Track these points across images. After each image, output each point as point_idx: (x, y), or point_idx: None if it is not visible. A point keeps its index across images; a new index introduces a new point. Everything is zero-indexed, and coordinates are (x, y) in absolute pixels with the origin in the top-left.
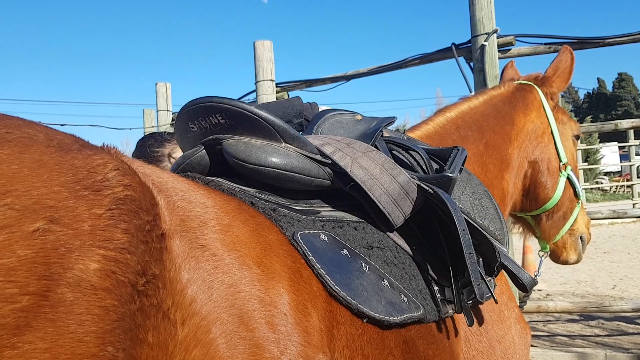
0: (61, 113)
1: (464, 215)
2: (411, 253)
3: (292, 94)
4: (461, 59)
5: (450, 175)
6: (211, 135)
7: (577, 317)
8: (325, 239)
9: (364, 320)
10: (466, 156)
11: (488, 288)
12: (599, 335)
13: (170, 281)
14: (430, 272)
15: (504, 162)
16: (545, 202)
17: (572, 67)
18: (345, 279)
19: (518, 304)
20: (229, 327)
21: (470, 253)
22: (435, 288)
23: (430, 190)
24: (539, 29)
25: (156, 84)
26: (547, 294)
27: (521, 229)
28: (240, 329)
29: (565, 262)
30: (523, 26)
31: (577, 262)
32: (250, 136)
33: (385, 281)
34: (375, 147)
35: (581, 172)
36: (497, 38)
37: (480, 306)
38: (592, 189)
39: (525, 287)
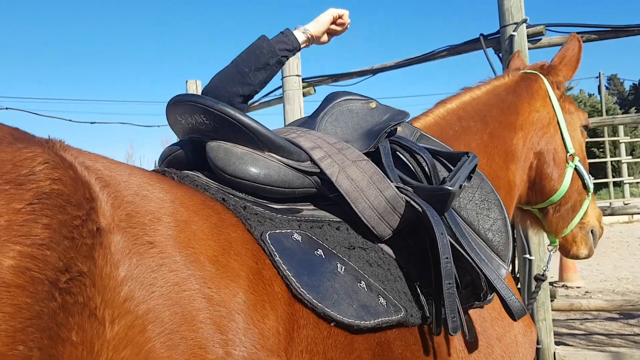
0: (92, 111)
1: (450, 240)
2: (399, 260)
3: (319, 89)
4: (490, 50)
5: (449, 189)
6: (198, 131)
7: (616, 316)
8: (299, 238)
9: (332, 324)
10: (476, 164)
11: (461, 323)
12: (638, 335)
13: (102, 278)
14: (419, 281)
15: (509, 153)
16: (551, 194)
17: (579, 56)
18: (314, 280)
19: (527, 299)
20: (169, 327)
21: (449, 283)
22: (424, 290)
23: (419, 208)
24: (571, 17)
25: (186, 82)
26: (586, 292)
27: (528, 222)
28: (183, 328)
29: (576, 257)
30: (554, 15)
31: (588, 256)
32: (233, 141)
33: (363, 283)
34: (377, 149)
35: (625, 166)
36: (527, 28)
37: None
38: (637, 183)
39: (513, 316)
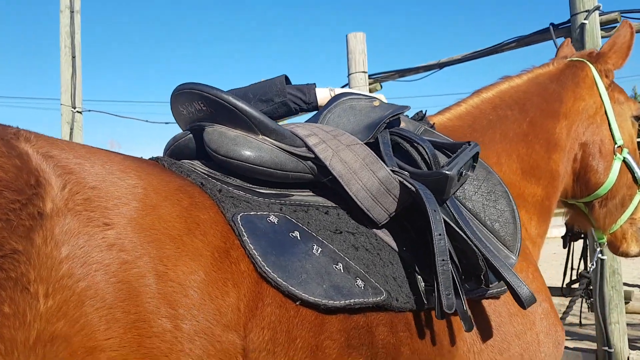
0: (167, 112)
1: (445, 218)
2: (395, 245)
3: (385, 84)
4: (560, 40)
5: (446, 173)
6: (197, 120)
7: None
8: (275, 220)
9: (297, 303)
10: (478, 152)
11: (462, 301)
12: None
13: (39, 257)
14: (416, 267)
15: (552, 142)
16: (596, 187)
17: (631, 43)
18: (282, 260)
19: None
20: (110, 302)
21: (443, 260)
22: (419, 277)
23: (412, 187)
24: None
25: (260, 80)
26: None
27: (574, 218)
28: (126, 303)
29: (626, 254)
30: (630, 1)
31: (639, 254)
32: (228, 125)
33: (340, 265)
34: (377, 139)
35: None
36: (600, 15)
37: (497, 298)
38: None
39: (522, 304)
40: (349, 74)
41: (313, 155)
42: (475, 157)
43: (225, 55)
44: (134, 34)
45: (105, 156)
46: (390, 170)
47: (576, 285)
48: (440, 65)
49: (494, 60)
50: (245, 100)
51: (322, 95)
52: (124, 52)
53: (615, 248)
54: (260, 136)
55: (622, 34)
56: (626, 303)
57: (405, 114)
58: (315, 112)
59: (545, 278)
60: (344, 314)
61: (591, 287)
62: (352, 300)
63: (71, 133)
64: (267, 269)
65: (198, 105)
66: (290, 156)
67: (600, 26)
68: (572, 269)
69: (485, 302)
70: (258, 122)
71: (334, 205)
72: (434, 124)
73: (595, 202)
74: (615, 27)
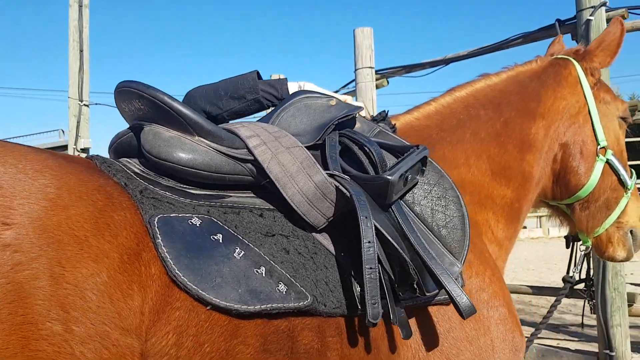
0: None
1: (377, 225)
2: (333, 250)
3: (392, 80)
4: (567, 37)
5: (388, 178)
6: (138, 118)
7: None
8: (197, 222)
9: (208, 308)
10: (425, 156)
11: (393, 308)
12: None
13: None
14: (352, 272)
15: (526, 143)
16: (577, 189)
17: (620, 40)
18: (196, 263)
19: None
20: None
21: (370, 268)
22: (355, 282)
23: (347, 193)
24: None
25: (270, 76)
26: None
27: (558, 220)
28: (14, 305)
29: (612, 259)
30: None
31: (626, 259)
32: (166, 126)
33: (262, 269)
34: (324, 141)
35: None
36: (606, 12)
37: (447, 304)
38: None
39: (461, 313)
40: (355, 70)
41: (253, 158)
42: (423, 161)
43: (230, 51)
44: (142, 28)
45: (22, 155)
46: (328, 174)
47: (581, 286)
48: (446, 61)
49: (499, 56)
50: (216, 97)
51: (294, 90)
52: (133, 46)
53: (601, 252)
54: (197, 137)
55: (612, 31)
56: (630, 305)
57: (365, 115)
58: (271, 109)
59: (548, 279)
60: (261, 318)
61: (594, 289)
62: (269, 305)
63: (78, 125)
64: (178, 272)
65: (137, 104)
66: (227, 158)
67: (607, 23)
68: (573, 271)
69: (434, 308)
70: (193, 123)
71: (272, 207)
72: (395, 124)
73: (576, 205)
74: None
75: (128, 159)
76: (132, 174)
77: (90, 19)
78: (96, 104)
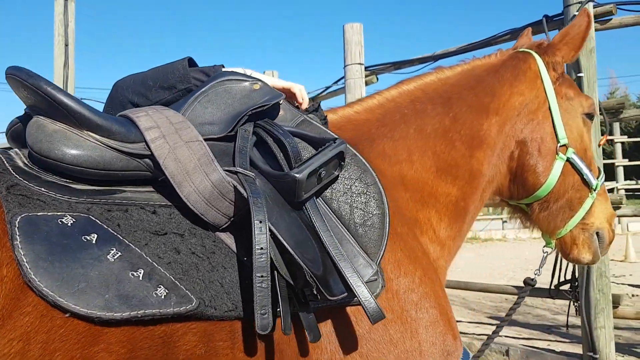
0: None
1: (272, 229)
2: (235, 249)
3: (381, 77)
4: (554, 33)
5: (295, 176)
6: (28, 106)
7: None
8: (68, 222)
9: (67, 315)
10: (341, 151)
11: (284, 319)
12: None
13: None
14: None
15: (476, 139)
16: (535, 188)
17: (585, 34)
18: (57, 267)
19: (584, 305)
20: None
21: (261, 276)
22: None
23: (244, 193)
24: None
25: (264, 72)
26: None
27: (519, 220)
28: None
29: (577, 261)
30: None
31: (592, 262)
32: (52, 117)
33: (140, 271)
34: (236, 133)
35: None
36: (594, 7)
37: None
38: None
39: (369, 318)
40: (345, 65)
41: (150, 152)
42: (340, 156)
43: (217, 47)
44: (128, 23)
45: None
46: (230, 171)
47: (566, 287)
48: (435, 58)
49: (488, 52)
50: (145, 87)
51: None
52: (118, 40)
53: (566, 254)
54: (85, 132)
55: (577, 23)
56: (615, 307)
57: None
58: (191, 93)
59: (547, 279)
60: (130, 325)
61: (579, 290)
62: (140, 312)
63: None
64: (33, 276)
65: (24, 93)
66: (119, 154)
67: (595, 18)
68: (559, 270)
69: (353, 309)
70: (79, 116)
71: (170, 204)
72: (326, 116)
73: (535, 204)
74: (610, 19)
75: (18, 150)
76: (9, 167)
77: (77, 13)
78: (81, 99)
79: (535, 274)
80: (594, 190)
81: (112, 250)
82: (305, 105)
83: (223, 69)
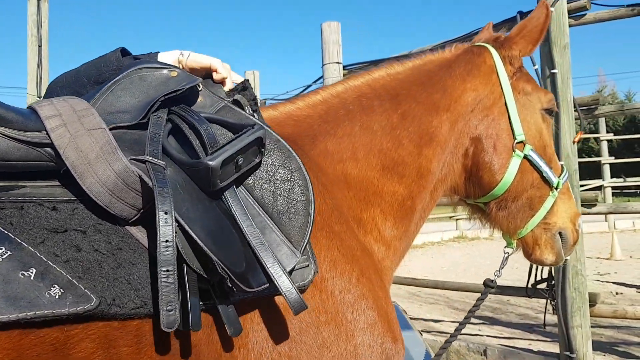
0: None
1: (180, 220)
2: (147, 244)
3: None
4: None
5: (208, 163)
6: None
7: None
8: None
9: None
10: (259, 137)
11: (194, 316)
12: None
13: None
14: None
15: (425, 137)
16: (491, 186)
17: (544, 27)
18: None
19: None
20: None
21: (167, 270)
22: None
23: (149, 183)
24: None
25: (245, 72)
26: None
27: (477, 220)
28: None
29: (540, 262)
30: None
31: (555, 263)
32: None
33: (32, 271)
34: (148, 120)
35: None
36: (568, 2)
37: (306, 299)
38: None
39: (291, 309)
40: (323, 65)
41: (50, 141)
42: (259, 142)
43: (190, 44)
44: (101, 21)
45: None
46: (136, 160)
47: (543, 286)
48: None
49: None
50: (79, 85)
51: (170, 61)
52: (91, 40)
53: (528, 255)
54: None
55: (536, 16)
56: (592, 306)
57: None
58: (106, 81)
59: (503, 278)
60: (19, 329)
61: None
62: (29, 313)
63: None
64: None
65: None
66: (17, 143)
67: (569, 14)
68: (536, 269)
69: (283, 310)
70: None
71: (74, 199)
72: (256, 97)
73: (492, 203)
74: (584, 14)
75: None
76: None
77: (50, 14)
78: None
79: (496, 275)
80: (556, 188)
81: (1, 249)
82: (229, 80)
83: (164, 54)
